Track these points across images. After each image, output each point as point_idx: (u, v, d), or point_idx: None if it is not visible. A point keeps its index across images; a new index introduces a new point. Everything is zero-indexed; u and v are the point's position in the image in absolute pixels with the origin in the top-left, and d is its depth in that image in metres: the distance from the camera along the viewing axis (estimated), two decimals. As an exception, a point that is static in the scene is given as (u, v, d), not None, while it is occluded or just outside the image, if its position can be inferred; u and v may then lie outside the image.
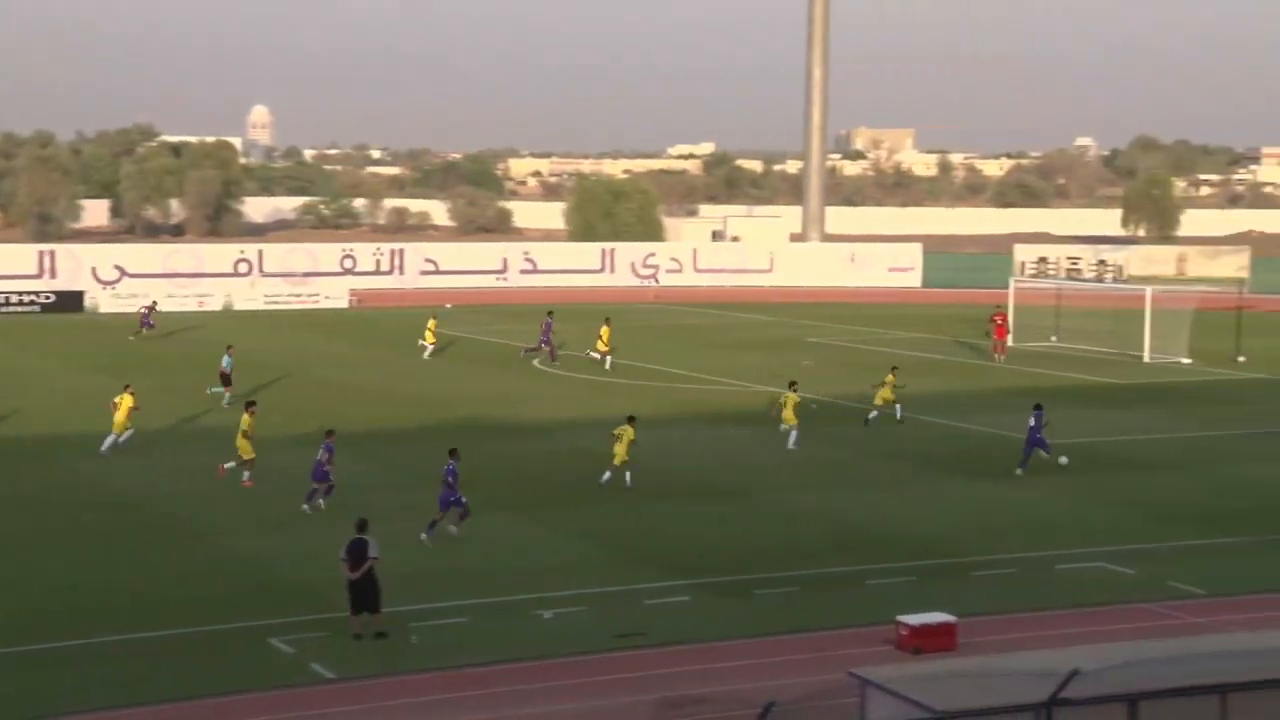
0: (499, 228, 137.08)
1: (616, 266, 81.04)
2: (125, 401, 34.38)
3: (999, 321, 52.73)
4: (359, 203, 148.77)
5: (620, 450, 30.25)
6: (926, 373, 47.90)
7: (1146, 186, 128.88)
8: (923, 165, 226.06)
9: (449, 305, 71.73)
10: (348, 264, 77.29)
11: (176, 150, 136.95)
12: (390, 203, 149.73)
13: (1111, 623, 21.60)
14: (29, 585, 23.62)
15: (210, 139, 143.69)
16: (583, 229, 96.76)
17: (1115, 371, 49.23)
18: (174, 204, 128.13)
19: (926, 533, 27.12)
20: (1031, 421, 32.52)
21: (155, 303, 61.86)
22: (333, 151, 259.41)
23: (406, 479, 31.13)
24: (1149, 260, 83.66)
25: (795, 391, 36.09)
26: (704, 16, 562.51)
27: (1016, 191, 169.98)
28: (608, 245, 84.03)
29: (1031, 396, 42.86)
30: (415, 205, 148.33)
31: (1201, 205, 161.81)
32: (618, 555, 25.45)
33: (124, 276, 72.39)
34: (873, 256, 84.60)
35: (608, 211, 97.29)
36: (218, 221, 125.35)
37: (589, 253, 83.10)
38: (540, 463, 33.54)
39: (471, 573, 24.31)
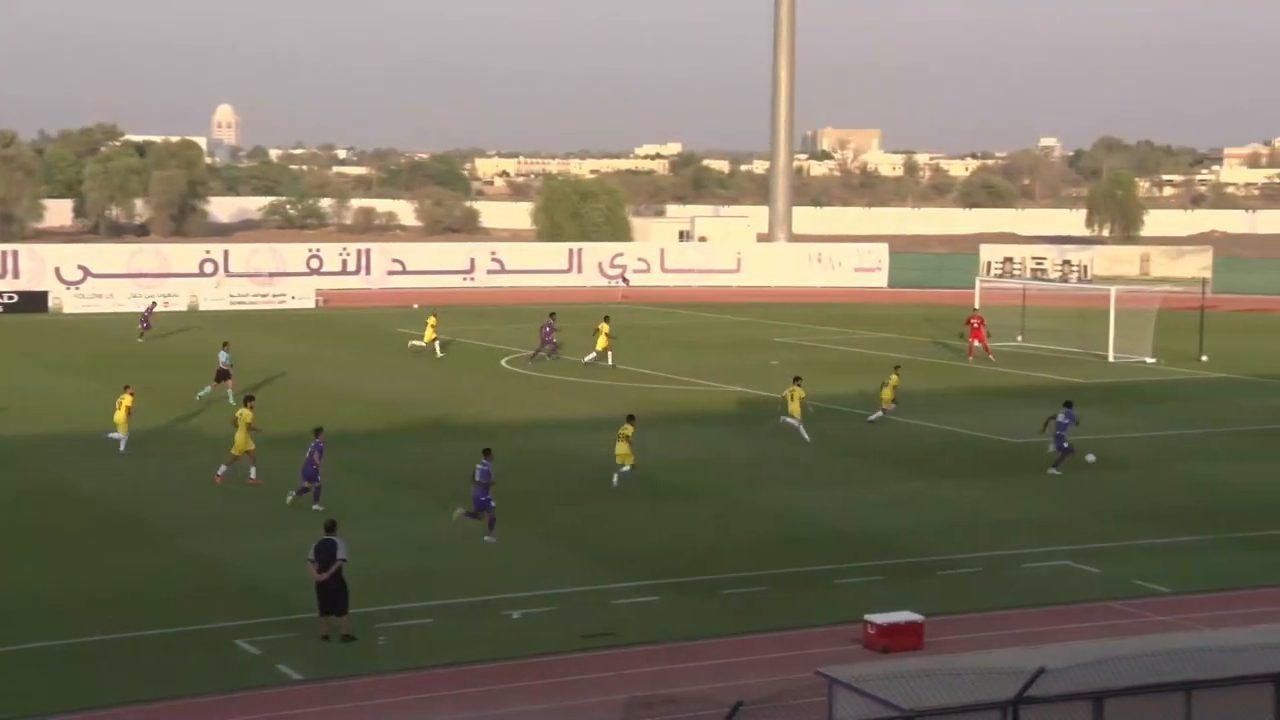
0: (466, 228, 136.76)
1: (584, 267, 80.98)
2: (125, 401, 34.31)
3: (975, 324, 52.94)
4: (325, 203, 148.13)
5: (620, 450, 30.40)
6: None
7: (1110, 187, 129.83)
8: (889, 165, 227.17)
9: (416, 305, 71.52)
10: (314, 264, 76.92)
11: (140, 150, 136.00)
12: (357, 203, 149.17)
13: (1077, 621, 21.73)
14: (-9, 588, 23.41)
15: (175, 138, 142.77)
16: (550, 229, 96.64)
17: (1080, 371, 49.55)
18: (138, 204, 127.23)
19: (894, 532, 27.21)
20: (1062, 418, 32.71)
21: (155, 303, 61.45)
22: (298, 151, 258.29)
23: (371, 480, 31.00)
24: (1113, 260, 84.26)
25: (800, 385, 36.44)
26: (671, 17, 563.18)
27: (982, 192, 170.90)
28: (575, 245, 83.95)
29: (999, 396, 43.21)
30: (382, 205, 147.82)
31: (1165, 206, 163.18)
32: (585, 556, 25.43)
33: (88, 277, 71.84)
34: (839, 256, 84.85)
35: (575, 212, 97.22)
36: (182, 221, 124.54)
37: (556, 253, 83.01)
38: (506, 464, 33.42)
39: (439, 573, 24.24)
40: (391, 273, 78.29)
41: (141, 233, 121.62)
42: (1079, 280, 78.42)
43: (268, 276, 73.77)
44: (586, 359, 49.13)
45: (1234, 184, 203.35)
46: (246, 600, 22.68)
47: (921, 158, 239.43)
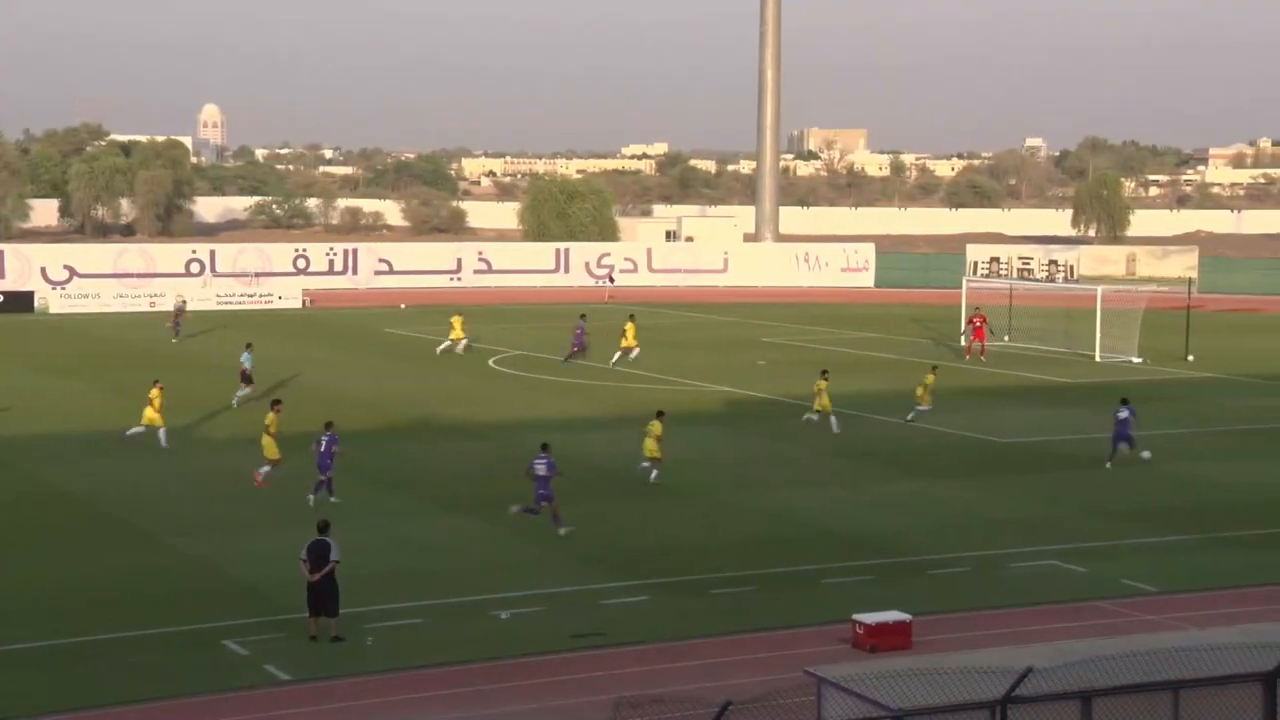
0: (453, 228, 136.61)
1: (571, 266, 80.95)
2: (154, 396, 34.41)
3: (977, 323, 53.06)
4: (312, 202, 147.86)
5: (651, 445, 30.70)
6: (882, 370, 48.16)
7: (1096, 187, 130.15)
8: (875, 166, 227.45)
9: (403, 305, 71.46)
10: (301, 264, 76.80)
11: (126, 149, 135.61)
12: (343, 203, 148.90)
13: (1065, 620, 21.79)
14: (-22, 589, 23.33)
15: (160, 138, 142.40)
16: (537, 229, 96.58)
17: (1067, 370, 49.67)
18: (124, 203, 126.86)
19: (882, 532, 27.26)
20: (1124, 414, 32.99)
21: (185, 302, 61.24)
22: (285, 151, 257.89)
23: (358, 480, 30.94)
24: (1099, 260, 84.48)
25: (826, 379, 37.17)
26: (657, 17, 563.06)
27: (968, 192, 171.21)
28: (562, 245, 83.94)
29: (986, 396, 43.30)
30: (368, 205, 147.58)
31: (1150, 206, 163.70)
32: (574, 556, 25.42)
33: (74, 276, 71.64)
34: (826, 256, 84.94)
35: (562, 211, 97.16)
36: (169, 221, 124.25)
37: (543, 253, 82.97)
38: (493, 463, 33.45)
39: (427, 574, 24.22)
40: (378, 273, 78.19)
41: (127, 233, 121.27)
42: (1065, 280, 78.61)
43: (254, 276, 73.62)
44: (614, 360, 49.20)
45: (1219, 184, 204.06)
46: (236, 601, 22.64)
47: (908, 158, 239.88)
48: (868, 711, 13.41)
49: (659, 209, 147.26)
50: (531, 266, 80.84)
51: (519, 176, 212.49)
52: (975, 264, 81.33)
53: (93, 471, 32.08)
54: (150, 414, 34.23)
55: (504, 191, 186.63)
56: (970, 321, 53.53)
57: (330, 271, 77.28)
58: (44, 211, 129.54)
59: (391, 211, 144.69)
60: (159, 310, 68.80)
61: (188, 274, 73.46)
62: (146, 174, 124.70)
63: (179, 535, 26.58)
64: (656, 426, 31.06)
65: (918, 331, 61.06)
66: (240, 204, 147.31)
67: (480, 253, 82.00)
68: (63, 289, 70.54)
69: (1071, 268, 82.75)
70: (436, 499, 29.59)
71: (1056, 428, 38.45)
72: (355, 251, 79.46)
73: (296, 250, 78.72)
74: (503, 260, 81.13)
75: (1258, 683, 14.25)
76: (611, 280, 79.84)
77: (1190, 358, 52.31)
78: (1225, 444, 36.43)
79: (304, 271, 76.18)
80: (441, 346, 52.51)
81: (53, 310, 68.06)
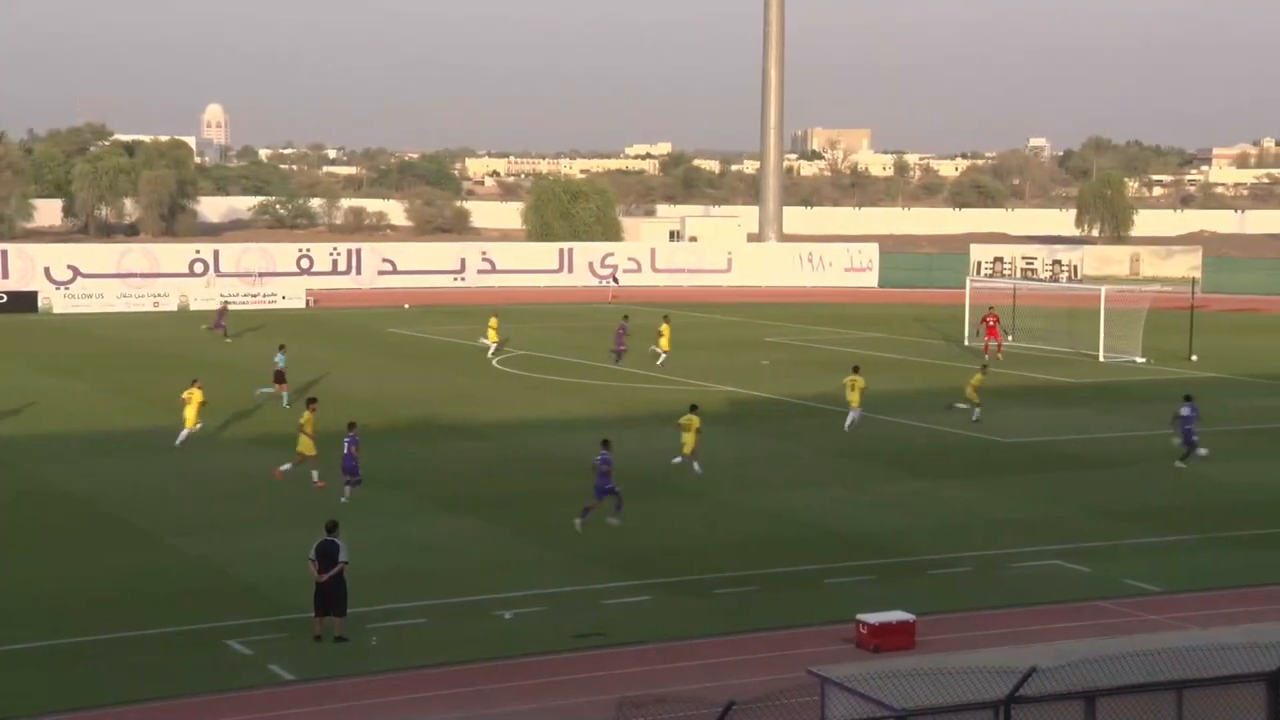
0: (456, 228, 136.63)
1: (574, 266, 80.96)
2: (195, 396, 34.37)
3: (990, 323, 53.08)
4: (315, 202, 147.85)
5: (689, 439, 31.19)
6: (886, 370, 48.12)
7: (1100, 187, 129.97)
8: (879, 166, 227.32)
9: (407, 305, 71.48)
10: (304, 264, 76.84)
11: (130, 149, 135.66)
12: (347, 202, 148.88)
13: (1068, 620, 21.76)
14: (-18, 588, 23.35)
15: (164, 138, 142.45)
16: (540, 229, 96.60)
17: (1071, 370, 49.61)
18: (128, 203, 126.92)
19: (885, 532, 27.23)
20: (1186, 411, 33.39)
21: (228, 303, 61.27)
22: (288, 151, 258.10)
23: (362, 480, 30.90)
24: (1103, 260, 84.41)
25: (859, 374, 37.66)
26: (661, 17, 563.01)
27: (972, 192, 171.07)
28: (565, 245, 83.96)
29: (990, 396, 43.18)
30: (372, 205, 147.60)
31: (1154, 206, 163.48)
32: (577, 555, 25.41)
33: (78, 276, 71.70)
34: (830, 256, 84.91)
35: (565, 211, 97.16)
36: (172, 221, 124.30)
37: (547, 253, 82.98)
38: (498, 463, 33.47)
39: (430, 574, 24.21)
40: (382, 272, 78.22)
41: (131, 232, 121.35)
42: (1069, 280, 78.54)
43: (258, 276, 73.66)
44: (660, 361, 49.40)
45: (1223, 184, 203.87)
46: (238, 601, 22.64)
47: (911, 158, 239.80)
48: (871, 711, 13.39)
49: (662, 209, 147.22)
50: (535, 266, 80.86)
51: (522, 176, 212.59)
52: (979, 264, 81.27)
53: (93, 471, 32.09)
54: (190, 413, 34.31)
55: (507, 191, 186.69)
56: (984, 321, 53.53)
57: (334, 271, 77.32)
58: (47, 211, 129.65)
59: (395, 211, 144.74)
60: (162, 310, 68.92)
61: (191, 274, 73.53)
62: (150, 174, 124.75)
63: (180, 535, 26.58)
64: (694, 420, 31.52)
65: (921, 332, 61.01)
66: (244, 204, 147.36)
67: (484, 253, 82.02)
68: (66, 289, 70.60)
69: (1075, 268, 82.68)
70: (438, 499, 29.59)
71: (1060, 428, 38.41)
72: (359, 251, 79.49)
73: (300, 250, 78.77)
74: (506, 260, 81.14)
75: (1262, 682, 14.23)
76: (615, 280, 79.83)
77: (1194, 358, 52.25)
78: (1228, 444, 36.36)
79: (307, 271, 76.21)
80: (485, 343, 52.84)
81: (56, 310, 68.11)
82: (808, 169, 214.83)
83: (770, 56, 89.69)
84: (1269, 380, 47.76)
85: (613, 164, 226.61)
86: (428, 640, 21.04)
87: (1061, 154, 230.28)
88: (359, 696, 18.90)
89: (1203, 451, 33.37)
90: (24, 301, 68.26)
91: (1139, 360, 51.63)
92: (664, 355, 49.60)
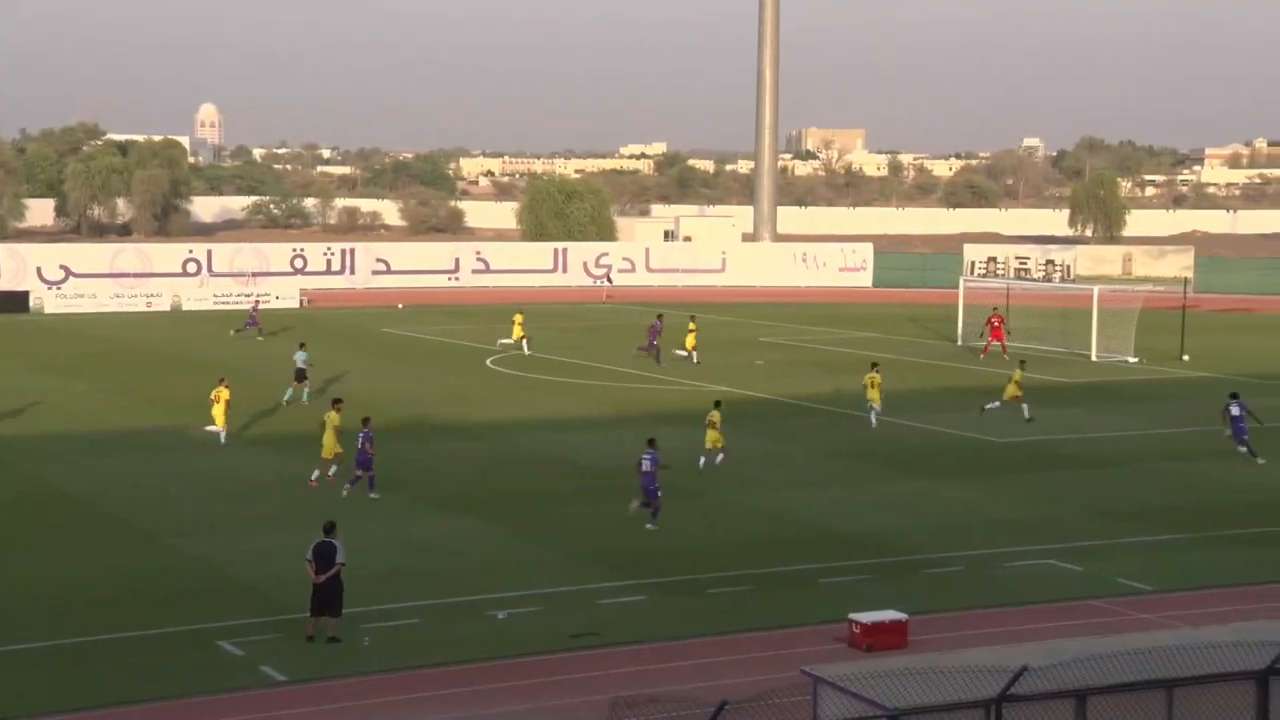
0: (451, 228, 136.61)
1: (569, 266, 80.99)
2: (223, 395, 34.50)
3: (996, 323, 53.19)
4: (309, 202, 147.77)
5: (712, 437, 31.78)
6: (882, 371, 48.12)
7: (1093, 187, 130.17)
8: (873, 166, 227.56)
9: (401, 305, 71.47)
10: (298, 264, 76.78)
11: (123, 149, 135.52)
12: (341, 202, 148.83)
13: (1060, 619, 21.84)
14: (-24, 589, 23.36)
15: (158, 138, 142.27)
16: (535, 229, 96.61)
17: (1064, 370, 49.71)
18: (120, 203, 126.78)
19: (879, 531, 27.30)
20: (1235, 410, 34.01)
21: (259, 301, 61.13)
22: (282, 151, 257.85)
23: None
24: (1096, 260, 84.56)
25: (878, 371, 38.49)
26: (656, 17, 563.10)
27: (966, 192, 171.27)
28: (560, 245, 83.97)
29: (983, 396, 43.28)
30: (366, 205, 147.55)
31: (1146, 206, 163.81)
32: (571, 555, 25.46)
33: (70, 276, 71.60)
34: (824, 256, 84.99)
35: (560, 211, 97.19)
36: (165, 221, 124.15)
37: (541, 252, 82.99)
38: (491, 463, 33.51)
39: (424, 574, 24.25)
40: (376, 272, 78.19)
41: (124, 232, 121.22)
42: (1062, 280, 78.67)
43: (251, 276, 73.61)
44: (687, 359, 49.78)
45: (1215, 184, 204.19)
46: (234, 601, 22.66)
47: (906, 158, 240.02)
48: (864, 711, 13.45)
49: (657, 209, 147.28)
50: (529, 266, 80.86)
51: (517, 176, 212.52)
52: (972, 264, 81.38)
53: (93, 471, 32.10)
54: (217, 412, 34.42)
55: (502, 191, 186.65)
56: (989, 321, 53.63)
57: (328, 271, 77.28)
58: (40, 211, 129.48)
59: (389, 211, 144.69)
60: (155, 311, 68.84)
61: (184, 274, 73.46)
62: (143, 174, 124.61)
63: (179, 535, 26.60)
64: (716, 416, 32.05)
65: (916, 331, 61.10)
66: (238, 204, 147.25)
67: (478, 252, 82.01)
68: (58, 289, 70.50)
69: (1068, 267, 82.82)
70: (432, 499, 29.62)
71: (1054, 427, 38.50)
72: (353, 251, 79.46)
73: (294, 250, 78.71)
74: (500, 260, 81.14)
75: (1251, 681, 14.30)
76: (609, 280, 79.88)
77: (1186, 357, 52.38)
78: (1220, 444, 36.44)
79: (301, 271, 76.16)
80: (503, 341, 52.99)
81: (48, 310, 68.01)
82: (802, 169, 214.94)
83: (765, 56, 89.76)
84: (1261, 380, 47.89)
85: (608, 164, 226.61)
86: (421, 641, 21.08)
87: (1055, 154, 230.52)
88: (353, 697, 18.94)
89: (1242, 449, 33.99)
90: (16, 301, 68.15)
91: (1131, 360, 51.74)
92: (686, 355, 49.82)
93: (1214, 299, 74.26)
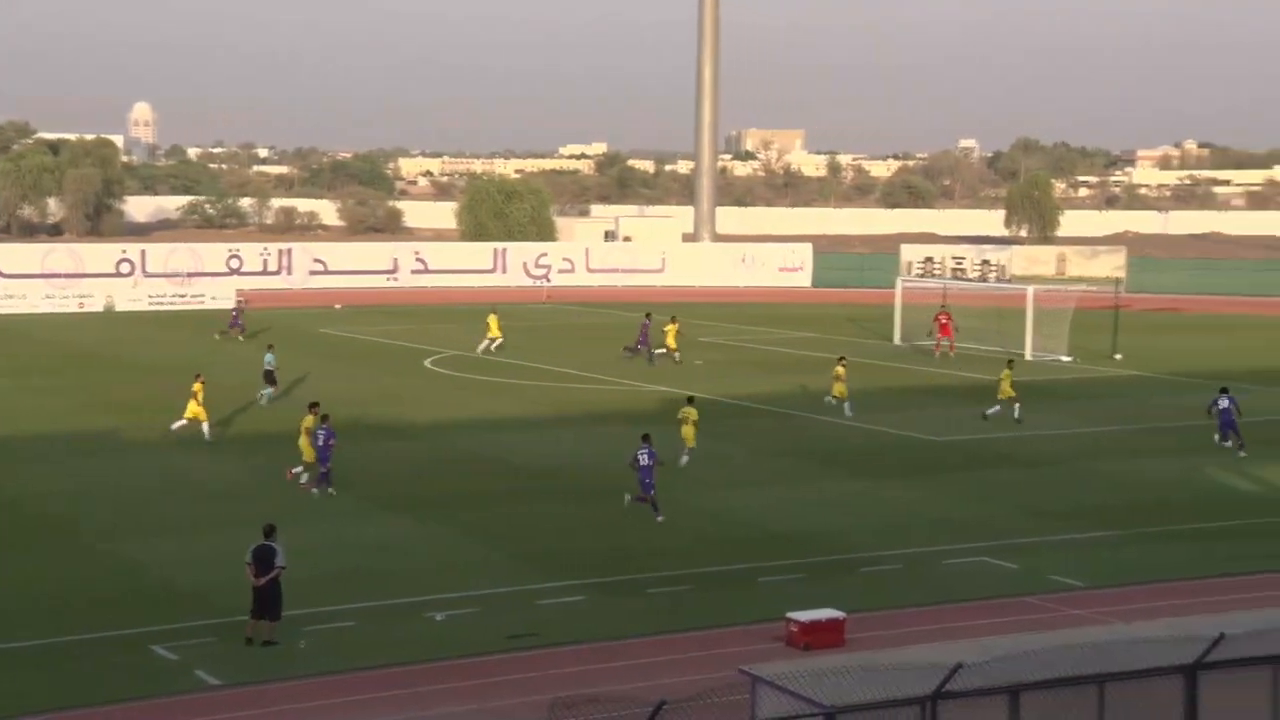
0: (389, 228, 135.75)
1: (509, 266, 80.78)
2: (197, 390, 34.47)
3: (943, 320, 53.59)
4: (245, 202, 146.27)
5: (689, 431, 32.14)
6: (820, 370, 48.45)
7: (1027, 188, 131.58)
8: (812, 166, 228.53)
9: (339, 306, 70.94)
10: (234, 264, 76.03)
11: (54, 148, 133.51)
12: (278, 202, 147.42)
13: (994, 616, 22.06)
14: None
15: (90, 137, 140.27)
16: (474, 229, 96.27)
17: (999, 369, 50.11)
18: (51, 203, 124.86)
19: (817, 531, 27.44)
20: (1225, 404, 34.73)
21: (244, 301, 60.13)
22: (218, 150, 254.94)
23: (291, 483, 30.67)
24: (1030, 260, 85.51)
25: (844, 365, 39.49)
26: (596, 16, 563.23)
27: (903, 192, 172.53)
28: (500, 245, 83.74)
29: (921, 395, 43.69)
30: (304, 205, 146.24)
31: (1080, 206, 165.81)
32: (509, 556, 25.39)
33: (0, 277, 70.44)
34: (764, 256, 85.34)
35: (499, 211, 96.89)
36: (98, 221, 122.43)
37: (481, 252, 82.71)
38: (429, 463, 33.34)
39: (361, 575, 24.08)
40: (313, 273, 77.57)
41: (55, 232, 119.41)
42: (997, 280, 79.48)
43: (186, 277, 72.78)
44: (668, 357, 50.19)
45: (1146, 185, 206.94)
46: (168, 605, 22.39)
47: (844, 158, 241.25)
48: (801, 709, 13.51)
49: (597, 209, 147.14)
50: (469, 266, 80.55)
51: (456, 176, 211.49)
52: (910, 264, 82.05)
53: (25, 475, 31.55)
54: (193, 408, 34.19)
55: (441, 191, 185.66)
56: (936, 319, 54.08)
57: (264, 272, 76.56)
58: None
59: (327, 211, 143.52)
60: (88, 311, 67.87)
61: (118, 274, 72.50)
62: (75, 173, 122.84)
63: (113, 539, 26.23)
64: (692, 412, 32.47)
65: (855, 331, 61.49)
66: (172, 203, 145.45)
67: (417, 253, 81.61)
68: (-12, 289, 69.38)
69: (1003, 267, 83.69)
70: (369, 500, 29.41)
71: (990, 426, 38.87)
72: (290, 251, 78.78)
73: (230, 250, 77.93)
74: (440, 260, 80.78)
75: (1179, 675, 14.52)
76: (548, 281, 79.74)
77: (1118, 356, 53.09)
78: (1151, 442, 37.01)
79: (237, 272, 75.41)
80: (481, 346, 52.67)
81: (-22, 311, 66.88)
82: (742, 169, 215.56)
83: (704, 57, 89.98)
84: (1190, 378, 48.63)
85: (547, 164, 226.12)
86: (358, 643, 20.93)
87: (991, 155, 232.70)
88: (287, 701, 18.77)
89: (1227, 444, 34.84)
90: (-55, 302, 66.97)
91: (1065, 359, 52.37)
92: (667, 353, 50.13)
93: (1145, 299, 75.33)
